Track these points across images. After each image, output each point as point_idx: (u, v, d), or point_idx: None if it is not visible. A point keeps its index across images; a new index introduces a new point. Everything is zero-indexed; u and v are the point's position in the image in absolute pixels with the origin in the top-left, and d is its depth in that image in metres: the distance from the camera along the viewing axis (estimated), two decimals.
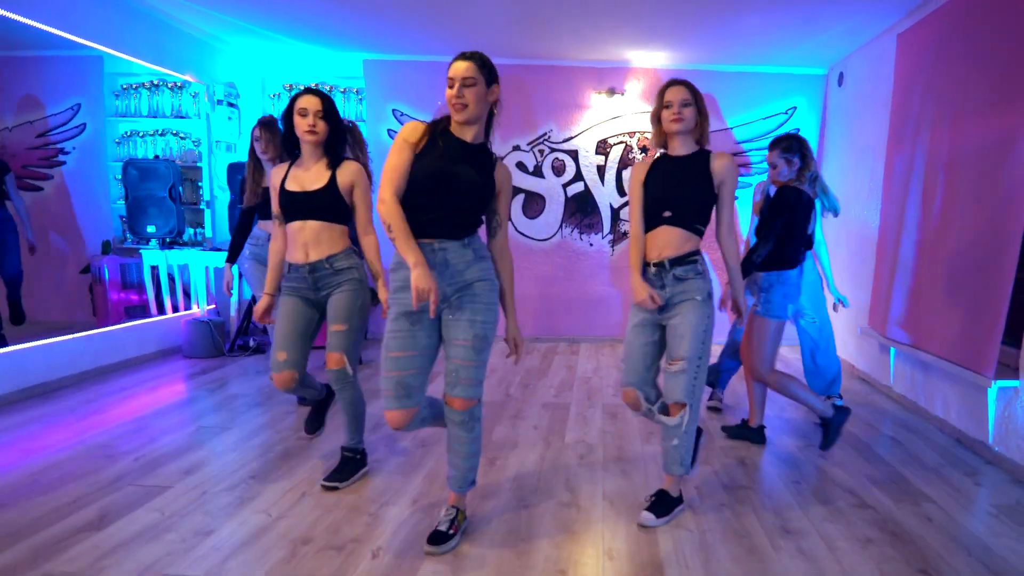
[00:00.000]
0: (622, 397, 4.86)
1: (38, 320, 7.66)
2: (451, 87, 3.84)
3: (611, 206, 10.92)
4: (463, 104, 3.82)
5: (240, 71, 10.32)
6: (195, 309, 9.39)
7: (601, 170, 10.84)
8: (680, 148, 4.56)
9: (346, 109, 10.72)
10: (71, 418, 6.35)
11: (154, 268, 9.00)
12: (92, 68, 8.85)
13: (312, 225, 4.73)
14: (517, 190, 10.82)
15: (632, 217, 4.72)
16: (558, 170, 10.74)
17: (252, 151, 6.11)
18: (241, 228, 6.43)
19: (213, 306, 9.53)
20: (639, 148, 10.71)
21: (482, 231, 4.11)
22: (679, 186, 4.52)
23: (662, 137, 4.62)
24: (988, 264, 5.80)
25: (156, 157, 9.27)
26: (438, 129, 3.96)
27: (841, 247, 9.27)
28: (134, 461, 5.34)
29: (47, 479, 4.96)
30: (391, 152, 3.90)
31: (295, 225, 4.75)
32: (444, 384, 4.02)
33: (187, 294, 9.41)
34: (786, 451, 5.94)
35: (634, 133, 10.73)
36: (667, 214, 4.52)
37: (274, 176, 4.88)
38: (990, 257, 5.78)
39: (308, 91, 4.71)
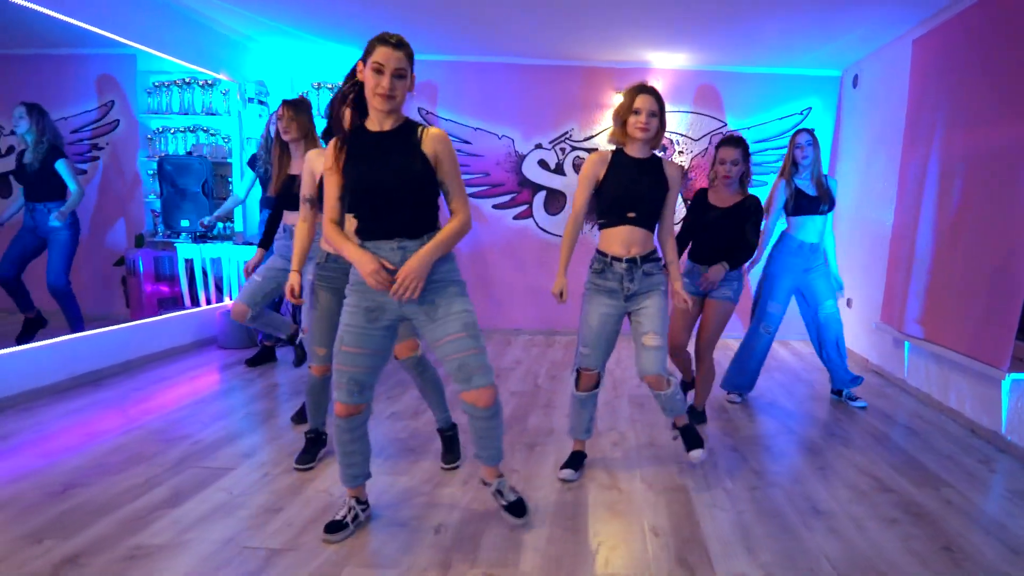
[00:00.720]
0: (583, 380, 5.09)
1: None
2: (379, 72, 3.65)
3: None
4: (392, 96, 3.68)
5: (269, 70, 10.52)
6: (227, 301, 9.58)
7: None
8: (638, 151, 4.81)
9: None
10: (124, 404, 6.60)
11: (188, 261, 9.19)
12: (126, 66, 9.02)
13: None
14: (538, 187, 11.01)
15: (576, 205, 4.95)
16: (579, 168, 10.76)
17: (277, 135, 5.98)
18: (274, 218, 6.35)
19: None
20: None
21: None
22: (642, 188, 4.79)
23: (623, 136, 4.82)
24: (1004, 263, 6.00)
25: (189, 153, 9.45)
26: (349, 136, 3.85)
27: (855, 245, 9.49)
28: (192, 445, 5.60)
29: (115, 460, 5.22)
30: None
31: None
32: (456, 383, 4.02)
33: (218, 287, 9.60)
34: (809, 440, 6.16)
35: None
36: (631, 215, 4.80)
37: (315, 161, 4.91)
38: (1006, 256, 5.98)
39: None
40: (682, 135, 10.90)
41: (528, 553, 4.04)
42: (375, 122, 3.83)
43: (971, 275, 6.49)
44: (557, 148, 10.91)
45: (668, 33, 9.00)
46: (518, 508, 4.28)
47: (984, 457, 5.89)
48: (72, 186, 7.41)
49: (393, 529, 4.29)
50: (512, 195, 10.98)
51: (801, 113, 10.75)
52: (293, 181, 5.85)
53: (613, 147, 4.93)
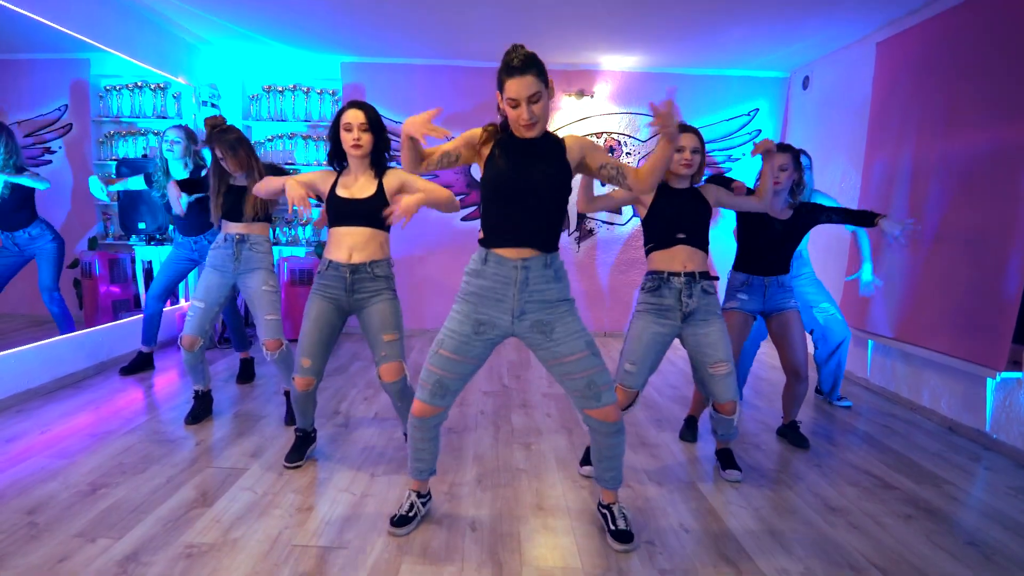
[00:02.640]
0: (621, 396, 5.02)
1: (20, 314, 7.74)
2: (515, 107, 3.70)
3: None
4: (533, 122, 3.73)
5: (221, 72, 10.50)
6: (182, 303, 9.58)
7: None
8: (678, 184, 5.00)
9: (322, 109, 10.98)
10: (114, 405, 6.58)
11: (145, 264, 9.16)
12: (79, 70, 8.96)
13: (359, 231, 4.88)
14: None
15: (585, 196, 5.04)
16: None
17: (217, 166, 5.91)
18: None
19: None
20: (606, 148, 10.97)
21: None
22: (688, 210, 4.93)
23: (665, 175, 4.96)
24: (995, 265, 6.12)
25: (144, 156, 9.40)
26: (497, 136, 3.95)
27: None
28: (197, 446, 5.62)
29: (130, 461, 5.22)
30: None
31: (342, 230, 4.90)
32: (579, 404, 4.03)
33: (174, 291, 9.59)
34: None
35: (601, 134, 11.07)
36: (681, 236, 4.91)
37: (321, 183, 4.97)
38: (997, 259, 6.10)
39: (352, 104, 4.84)
40: (629, 136, 11.09)
41: (572, 551, 4.12)
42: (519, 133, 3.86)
43: (956, 277, 6.60)
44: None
45: (624, 37, 9.16)
46: (624, 536, 4.16)
47: (972, 454, 6.07)
48: (43, 184, 7.19)
49: (430, 527, 4.35)
50: (461, 196, 11.02)
51: (748, 114, 10.99)
52: (236, 192, 5.98)
53: None
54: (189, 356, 6.09)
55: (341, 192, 4.89)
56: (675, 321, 4.93)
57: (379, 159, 4.95)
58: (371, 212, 4.85)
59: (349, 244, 4.90)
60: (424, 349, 9.93)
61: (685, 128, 4.86)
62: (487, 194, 3.92)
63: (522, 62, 3.65)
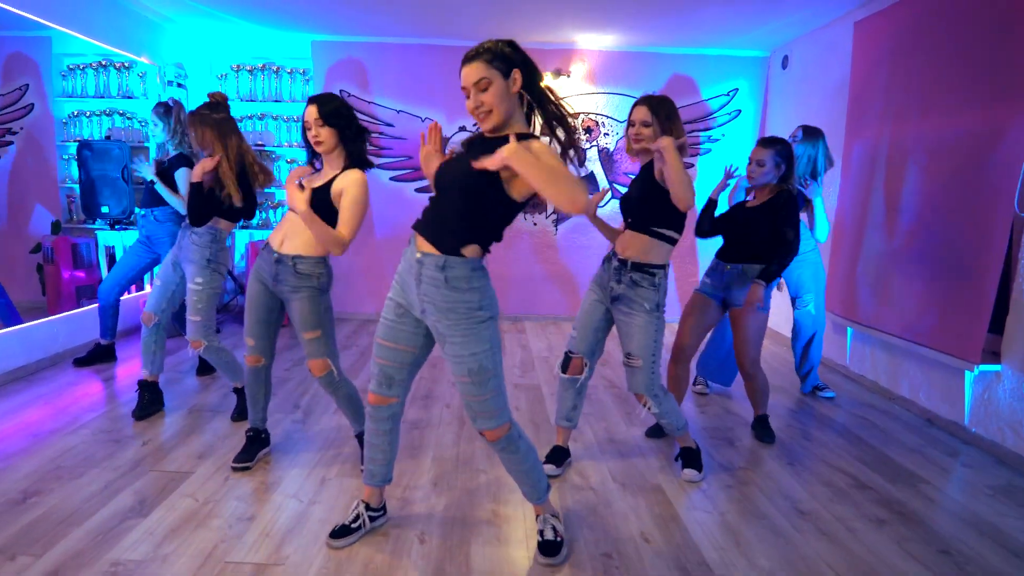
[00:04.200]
0: (567, 362, 5.09)
1: None
2: (468, 97, 3.53)
3: None
4: (487, 111, 3.50)
5: (187, 51, 10.26)
6: (148, 289, 9.35)
7: None
8: (643, 160, 4.85)
9: (292, 89, 10.76)
10: (63, 401, 6.37)
11: (108, 248, 8.95)
12: (40, 48, 8.76)
13: (296, 218, 4.64)
14: None
15: None
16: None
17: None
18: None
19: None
20: (583, 129, 10.88)
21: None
22: (635, 193, 4.81)
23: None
24: (972, 255, 5.94)
25: (107, 138, 9.20)
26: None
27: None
28: (143, 446, 5.41)
29: (69, 464, 5.01)
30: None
31: (289, 212, 4.73)
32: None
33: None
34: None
35: (578, 114, 10.86)
36: (629, 219, 4.83)
37: (299, 173, 4.81)
38: (974, 248, 5.93)
39: (309, 100, 4.56)
40: (607, 117, 10.90)
41: (523, 566, 3.95)
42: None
43: (933, 265, 6.43)
44: (479, 129, 10.69)
45: (600, 15, 8.94)
46: (547, 547, 3.98)
47: (950, 450, 5.91)
48: None
49: (376, 538, 4.15)
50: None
51: (728, 94, 10.81)
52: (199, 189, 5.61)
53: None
54: (145, 333, 6.02)
55: (305, 181, 4.56)
56: (606, 296, 4.94)
57: (353, 151, 4.63)
58: (313, 204, 4.40)
59: (286, 228, 4.71)
60: (372, 336, 9.72)
61: (638, 101, 4.73)
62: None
63: (474, 50, 3.54)
